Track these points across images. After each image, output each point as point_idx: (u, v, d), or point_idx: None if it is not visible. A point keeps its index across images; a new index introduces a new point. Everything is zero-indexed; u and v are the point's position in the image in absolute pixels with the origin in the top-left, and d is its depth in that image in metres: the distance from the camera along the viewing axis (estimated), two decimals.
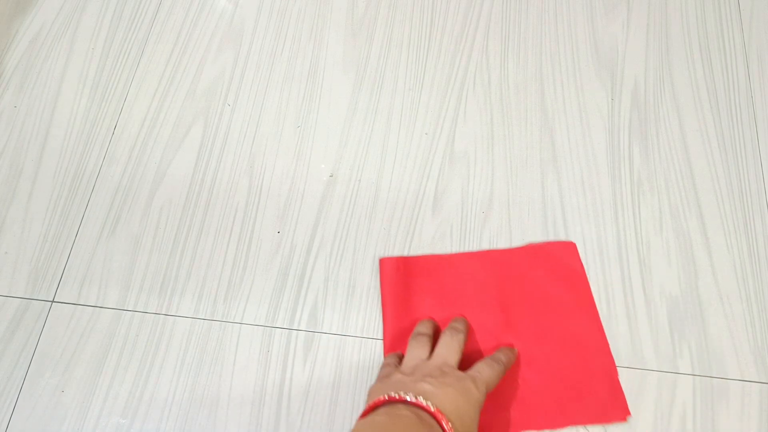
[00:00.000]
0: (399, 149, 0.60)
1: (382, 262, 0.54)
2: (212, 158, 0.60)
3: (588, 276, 0.55)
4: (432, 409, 0.40)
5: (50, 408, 0.49)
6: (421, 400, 0.40)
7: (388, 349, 0.51)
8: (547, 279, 0.54)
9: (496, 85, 0.64)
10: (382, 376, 0.47)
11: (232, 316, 0.53)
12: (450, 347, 0.47)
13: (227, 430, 0.49)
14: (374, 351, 0.52)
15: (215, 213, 0.57)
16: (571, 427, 0.49)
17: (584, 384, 0.50)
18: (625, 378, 0.51)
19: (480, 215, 0.57)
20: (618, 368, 0.51)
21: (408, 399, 0.41)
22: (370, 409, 0.42)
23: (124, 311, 0.53)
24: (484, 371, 0.46)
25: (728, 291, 0.54)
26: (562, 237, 0.56)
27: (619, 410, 0.49)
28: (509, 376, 0.50)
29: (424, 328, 0.50)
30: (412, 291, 0.53)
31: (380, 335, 0.52)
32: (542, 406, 0.49)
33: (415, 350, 0.48)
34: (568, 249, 0.55)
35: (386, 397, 0.42)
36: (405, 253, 0.56)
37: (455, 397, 0.42)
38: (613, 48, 0.66)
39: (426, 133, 0.61)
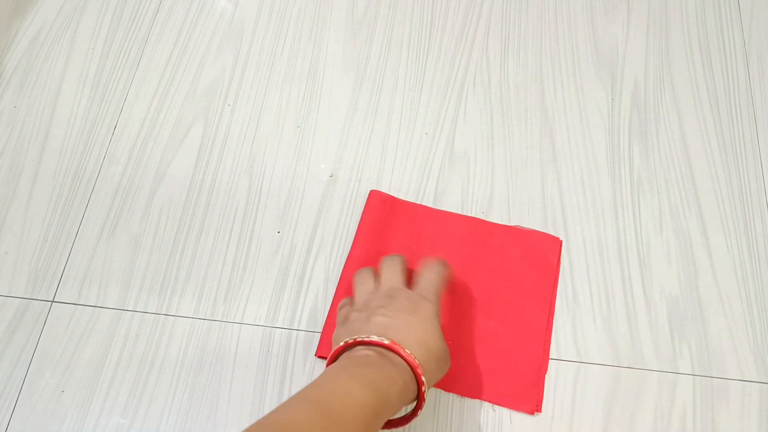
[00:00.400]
0: (399, 149, 0.60)
1: (372, 193, 0.57)
2: (212, 158, 0.60)
3: (588, 276, 0.55)
4: (386, 342, 0.40)
5: (50, 408, 0.49)
6: (375, 338, 0.41)
7: (346, 271, 0.53)
8: (519, 262, 0.55)
9: (496, 85, 0.64)
10: (341, 320, 0.47)
11: (232, 316, 0.53)
12: (393, 269, 0.48)
13: (227, 430, 0.49)
14: None
15: (215, 213, 0.57)
16: (479, 403, 0.50)
17: (509, 366, 0.51)
18: (625, 378, 0.51)
19: (480, 215, 0.57)
20: (618, 368, 0.51)
21: (364, 339, 0.41)
22: (332, 359, 0.43)
23: (124, 311, 0.53)
24: (429, 278, 0.47)
25: (728, 291, 0.54)
26: (561, 236, 0.56)
27: (532, 402, 0.49)
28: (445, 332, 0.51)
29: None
30: (389, 228, 0.55)
31: None
32: (461, 371, 0.50)
33: (362, 284, 0.48)
34: (552, 244, 0.56)
35: (343, 344, 0.42)
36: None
37: (408, 318, 0.43)
38: (613, 48, 0.66)
39: (426, 133, 0.61)
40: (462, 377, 0.50)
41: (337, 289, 0.53)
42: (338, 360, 0.42)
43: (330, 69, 0.64)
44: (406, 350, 0.40)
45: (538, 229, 0.57)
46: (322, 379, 0.39)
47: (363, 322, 0.43)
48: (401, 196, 0.58)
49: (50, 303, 0.53)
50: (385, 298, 0.45)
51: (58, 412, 0.49)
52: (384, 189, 0.58)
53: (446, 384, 0.50)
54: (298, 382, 0.50)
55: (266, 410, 0.49)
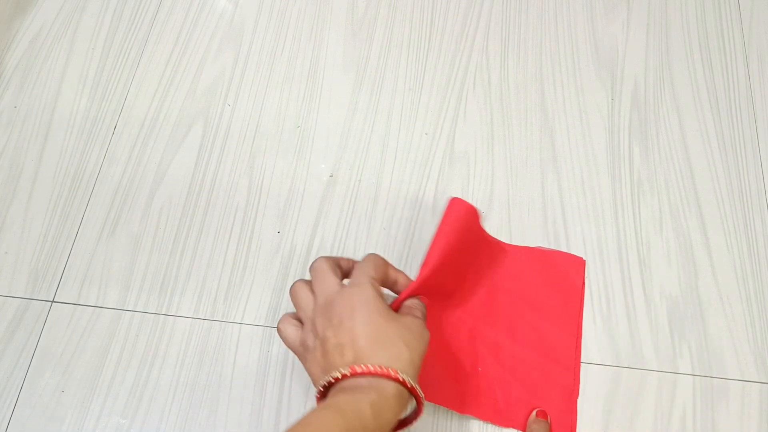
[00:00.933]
0: (399, 149, 0.60)
1: (454, 201, 0.50)
2: (212, 158, 0.60)
3: (588, 276, 0.55)
4: (346, 373, 0.38)
5: (50, 408, 0.49)
6: (335, 374, 0.39)
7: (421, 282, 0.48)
8: (543, 286, 0.54)
9: (496, 85, 0.64)
10: (302, 349, 0.43)
11: (232, 316, 0.53)
12: (319, 274, 0.44)
13: (227, 430, 0.49)
14: None
15: (215, 213, 0.57)
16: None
17: (541, 393, 0.50)
18: (625, 378, 0.51)
19: (480, 215, 0.57)
20: (618, 368, 0.51)
21: (327, 383, 0.39)
22: (322, 398, 0.40)
23: (124, 311, 0.53)
24: (358, 271, 0.44)
25: (728, 291, 0.54)
26: (561, 237, 0.56)
27: (566, 429, 0.49)
28: (471, 357, 0.49)
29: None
30: (458, 239, 0.50)
31: None
32: (493, 401, 0.49)
33: (300, 300, 0.44)
34: (575, 264, 0.55)
35: (318, 394, 0.40)
36: (405, 253, 0.56)
37: (351, 321, 0.40)
38: (613, 48, 0.66)
39: (426, 133, 0.61)
40: (494, 406, 0.49)
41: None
42: (324, 404, 0.39)
43: (330, 69, 0.64)
44: (368, 366, 0.38)
45: (539, 232, 0.57)
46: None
47: (323, 355, 0.40)
48: (401, 197, 0.58)
49: (50, 303, 0.53)
50: (326, 311, 0.42)
51: (58, 412, 0.49)
52: (384, 189, 0.58)
53: (481, 412, 0.49)
54: (298, 382, 0.50)
55: (266, 410, 0.49)
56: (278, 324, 0.45)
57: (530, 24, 0.67)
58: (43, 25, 0.66)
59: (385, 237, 0.56)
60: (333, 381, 0.39)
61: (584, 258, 0.55)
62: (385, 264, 0.46)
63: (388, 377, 0.38)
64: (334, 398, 0.38)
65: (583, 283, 0.54)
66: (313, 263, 0.46)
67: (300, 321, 0.45)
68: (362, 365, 0.38)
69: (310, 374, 0.42)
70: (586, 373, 0.51)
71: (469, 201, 0.58)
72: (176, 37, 0.66)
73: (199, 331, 0.52)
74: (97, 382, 0.50)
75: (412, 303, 0.46)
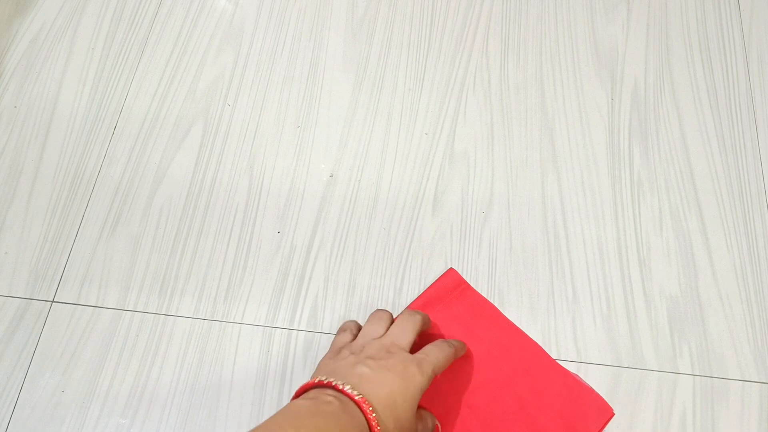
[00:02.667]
0: (399, 149, 0.60)
1: (450, 271, 0.54)
2: (212, 158, 0.60)
3: (588, 276, 0.55)
4: (356, 397, 0.39)
5: (50, 408, 0.49)
6: (348, 389, 0.40)
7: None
8: (556, 415, 0.49)
9: (496, 85, 0.64)
10: (335, 348, 0.46)
11: (232, 316, 0.53)
12: (404, 327, 0.46)
13: (227, 430, 0.49)
14: None
15: (215, 213, 0.57)
16: None
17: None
18: (625, 378, 0.51)
19: (480, 215, 0.57)
20: (618, 368, 0.51)
21: (337, 385, 0.40)
22: (302, 391, 0.42)
23: (124, 311, 0.53)
24: (432, 353, 0.45)
25: (728, 291, 0.54)
26: (561, 237, 0.56)
27: (601, 409, 0.48)
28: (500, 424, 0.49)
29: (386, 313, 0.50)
30: (447, 309, 0.52)
31: None
32: None
33: (372, 326, 0.47)
34: (601, 412, 0.49)
35: (317, 381, 0.41)
36: (405, 253, 0.56)
37: (392, 381, 0.41)
38: (613, 48, 0.66)
39: (426, 133, 0.61)
40: None
41: None
42: (304, 396, 0.41)
43: (330, 69, 0.64)
44: (373, 413, 0.39)
45: (539, 232, 0.57)
46: (269, 424, 0.38)
47: (349, 366, 0.42)
48: (401, 196, 0.58)
49: (50, 303, 0.53)
50: (382, 351, 0.44)
51: (58, 412, 0.49)
52: (384, 189, 0.58)
53: None
54: (298, 382, 0.50)
55: (266, 410, 0.49)
56: (345, 323, 0.51)
57: (530, 24, 0.67)
58: (43, 25, 0.66)
59: (385, 237, 0.56)
60: (338, 388, 0.40)
61: (614, 411, 0.50)
62: (452, 360, 0.47)
63: (372, 430, 0.39)
64: (316, 420, 0.39)
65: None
66: (412, 312, 0.49)
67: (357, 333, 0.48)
68: (368, 406, 0.39)
69: (317, 367, 0.45)
70: (586, 374, 0.51)
71: (470, 201, 0.58)
72: (176, 37, 0.66)
73: (199, 331, 0.52)
74: (97, 382, 0.50)
75: (425, 416, 0.46)
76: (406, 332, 0.46)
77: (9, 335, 0.52)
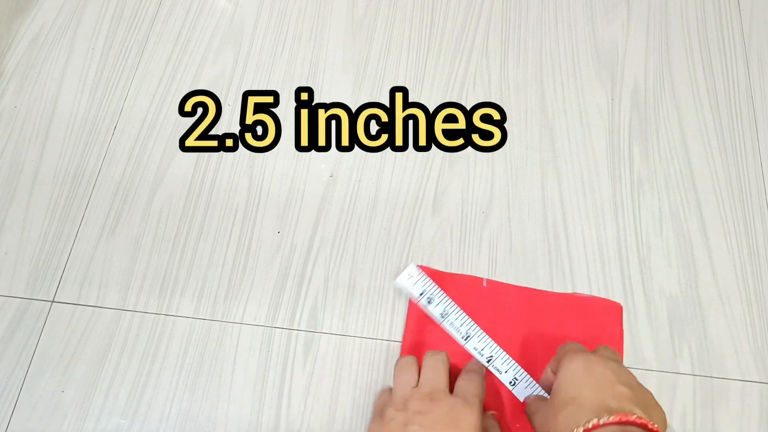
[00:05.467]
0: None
1: (421, 269, 0.54)
2: (212, 158, 0.60)
3: (588, 276, 0.55)
4: None
5: (50, 408, 0.49)
6: None
7: (404, 352, 0.51)
8: (580, 335, 0.51)
9: (496, 85, 0.64)
10: (377, 412, 0.46)
11: (232, 316, 0.53)
12: (437, 370, 0.46)
13: (227, 430, 0.49)
14: (374, 351, 0.52)
15: (215, 213, 0.57)
16: None
17: None
18: None
19: (480, 215, 0.57)
20: None
21: None
22: None
23: (124, 311, 0.53)
24: (470, 387, 0.45)
25: (728, 291, 0.54)
26: (561, 237, 0.56)
27: None
28: (510, 411, 0.48)
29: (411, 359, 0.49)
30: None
31: (380, 335, 0.52)
32: None
33: (403, 376, 0.47)
34: (612, 310, 0.53)
35: None
36: (405, 253, 0.56)
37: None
38: (613, 48, 0.66)
39: None
40: None
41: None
42: None
43: (330, 69, 0.65)
44: None
45: (539, 232, 0.57)
46: None
47: (400, 429, 0.42)
48: (401, 196, 0.58)
49: (50, 303, 0.53)
50: (425, 401, 0.43)
51: (58, 412, 0.49)
52: (384, 189, 0.58)
53: None
54: (298, 382, 0.50)
55: (266, 410, 0.49)
56: (382, 389, 0.49)
57: (530, 24, 0.67)
58: (43, 25, 0.66)
59: (385, 237, 0.56)
60: None
61: (620, 303, 0.53)
62: (484, 382, 0.47)
63: None
64: None
65: (622, 330, 0.52)
66: (434, 352, 0.48)
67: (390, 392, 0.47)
68: None
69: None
70: None
71: (470, 201, 0.58)
72: (176, 37, 0.66)
73: (199, 331, 0.52)
74: (97, 382, 0.50)
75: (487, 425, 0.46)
76: (440, 374, 0.46)
77: (9, 335, 0.52)
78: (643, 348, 0.52)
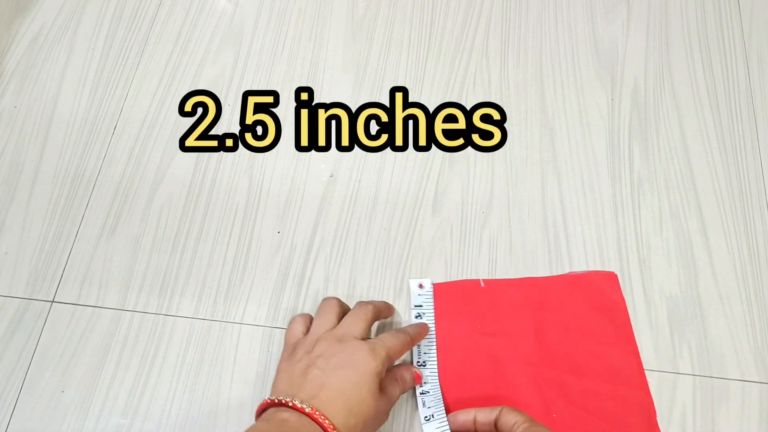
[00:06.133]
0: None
1: (437, 287, 0.54)
2: (212, 158, 0.60)
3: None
4: (307, 410, 0.40)
5: (50, 408, 0.49)
6: (299, 404, 0.40)
7: (443, 379, 0.49)
8: (586, 310, 0.52)
9: (496, 85, 0.64)
10: (288, 348, 0.47)
11: (232, 316, 0.53)
12: (356, 317, 0.47)
13: (227, 430, 0.49)
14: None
15: (215, 213, 0.57)
16: None
17: (619, 420, 0.48)
18: None
19: (480, 215, 0.57)
20: None
21: (287, 402, 0.41)
22: (260, 411, 0.42)
23: (124, 311, 0.53)
24: (387, 339, 0.46)
25: (728, 291, 0.54)
26: (561, 237, 0.56)
27: None
28: (542, 406, 0.48)
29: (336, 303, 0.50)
30: (446, 315, 0.52)
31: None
32: None
33: (323, 317, 0.48)
34: (609, 280, 0.54)
35: (269, 401, 0.42)
36: (405, 253, 0.56)
37: (344, 377, 0.42)
38: (613, 48, 0.66)
39: None
40: None
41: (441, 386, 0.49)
42: (263, 415, 0.42)
43: (330, 69, 0.65)
44: (328, 420, 0.40)
45: (539, 232, 0.57)
46: None
47: (302, 373, 0.43)
48: (401, 196, 0.58)
49: (50, 303, 0.53)
50: (333, 344, 0.44)
51: (58, 412, 0.49)
52: (384, 189, 0.58)
53: None
54: None
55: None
56: (295, 317, 0.50)
57: (530, 24, 0.67)
58: (43, 25, 0.66)
59: (385, 237, 0.56)
60: (290, 405, 0.41)
61: (614, 272, 0.55)
62: (409, 345, 0.48)
63: (318, 423, 0.40)
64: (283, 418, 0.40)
65: (623, 297, 0.53)
66: (364, 303, 0.49)
67: (310, 325, 0.48)
68: (322, 416, 0.40)
69: (277, 372, 0.45)
70: None
71: (470, 201, 0.58)
72: (176, 37, 0.66)
73: (199, 331, 0.52)
74: (97, 382, 0.50)
75: (401, 376, 0.47)
76: (358, 322, 0.47)
77: (9, 335, 0.52)
78: (643, 348, 0.52)
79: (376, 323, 0.52)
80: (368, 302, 0.50)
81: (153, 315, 0.53)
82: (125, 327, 0.52)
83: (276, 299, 0.54)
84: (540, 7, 0.68)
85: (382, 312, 0.50)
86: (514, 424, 0.42)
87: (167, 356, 0.51)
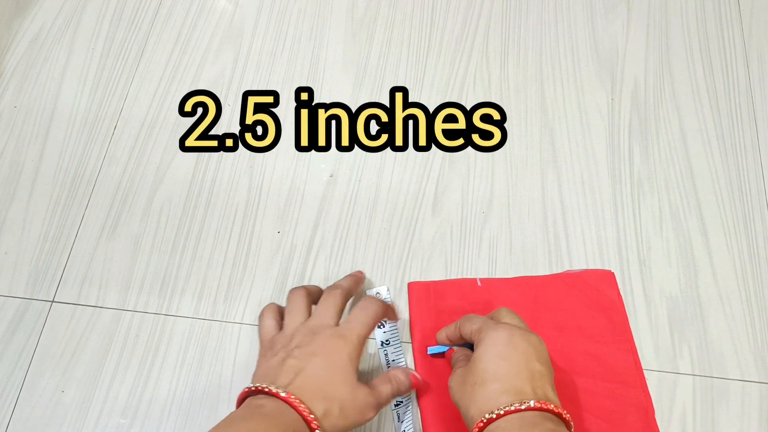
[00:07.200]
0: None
1: (411, 286, 0.54)
2: (212, 158, 0.60)
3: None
4: (282, 394, 0.40)
5: (50, 408, 0.49)
6: (275, 389, 0.41)
7: (419, 368, 0.50)
8: (583, 309, 0.52)
9: (496, 85, 0.64)
10: (267, 344, 0.46)
11: (232, 316, 0.53)
12: (326, 305, 0.47)
13: None
14: (374, 350, 0.52)
15: (215, 213, 0.57)
16: None
17: (617, 418, 0.48)
18: None
19: (480, 215, 0.57)
20: None
21: (264, 388, 0.41)
22: (240, 401, 0.43)
23: (124, 311, 0.53)
24: (356, 317, 0.46)
25: (728, 291, 0.54)
26: (561, 237, 0.56)
27: None
28: None
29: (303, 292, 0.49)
30: (441, 314, 0.52)
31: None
32: None
33: (293, 311, 0.47)
34: (606, 278, 0.54)
35: (247, 390, 0.42)
36: (405, 253, 0.56)
37: (319, 363, 0.42)
38: (613, 48, 0.66)
39: None
40: None
41: (420, 404, 0.49)
42: (242, 406, 0.42)
43: (330, 69, 0.65)
44: (303, 404, 0.40)
45: (539, 232, 0.57)
46: None
47: (280, 363, 0.43)
48: (401, 196, 0.58)
49: (50, 303, 0.53)
50: (308, 335, 0.44)
51: (58, 412, 0.49)
52: (384, 189, 0.58)
53: None
54: None
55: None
56: (263, 310, 0.49)
57: (530, 24, 0.67)
58: (43, 25, 0.66)
59: (385, 237, 0.56)
60: (267, 391, 0.41)
61: (612, 270, 0.55)
62: (380, 317, 0.47)
63: (309, 424, 0.40)
64: (250, 424, 0.39)
65: (620, 295, 0.53)
66: (332, 288, 0.48)
67: (281, 318, 0.48)
68: (299, 402, 0.40)
69: (257, 368, 0.45)
70: None
71: (469, 201, 0.58)
72: (176, 37, 0.66)
73: (199, 331, 0.52)
74: (97, 382, 0.50)
75: (394, 376, 0.46)
76: (329, 309, 0.47)
77: (9, 335, 0.52)
78: (643, 348, 0.52)
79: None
80: (336, 286, 0.49)
81: (153, 315, 0.53)
82: (125, 327, 0.52)
83: (276, 299, 0.54)
84: (540, 7, 0.68)
85: (352, 291, 0.50)
86: (471, 333, 0.45)
87: (167, 356, 0.51)
